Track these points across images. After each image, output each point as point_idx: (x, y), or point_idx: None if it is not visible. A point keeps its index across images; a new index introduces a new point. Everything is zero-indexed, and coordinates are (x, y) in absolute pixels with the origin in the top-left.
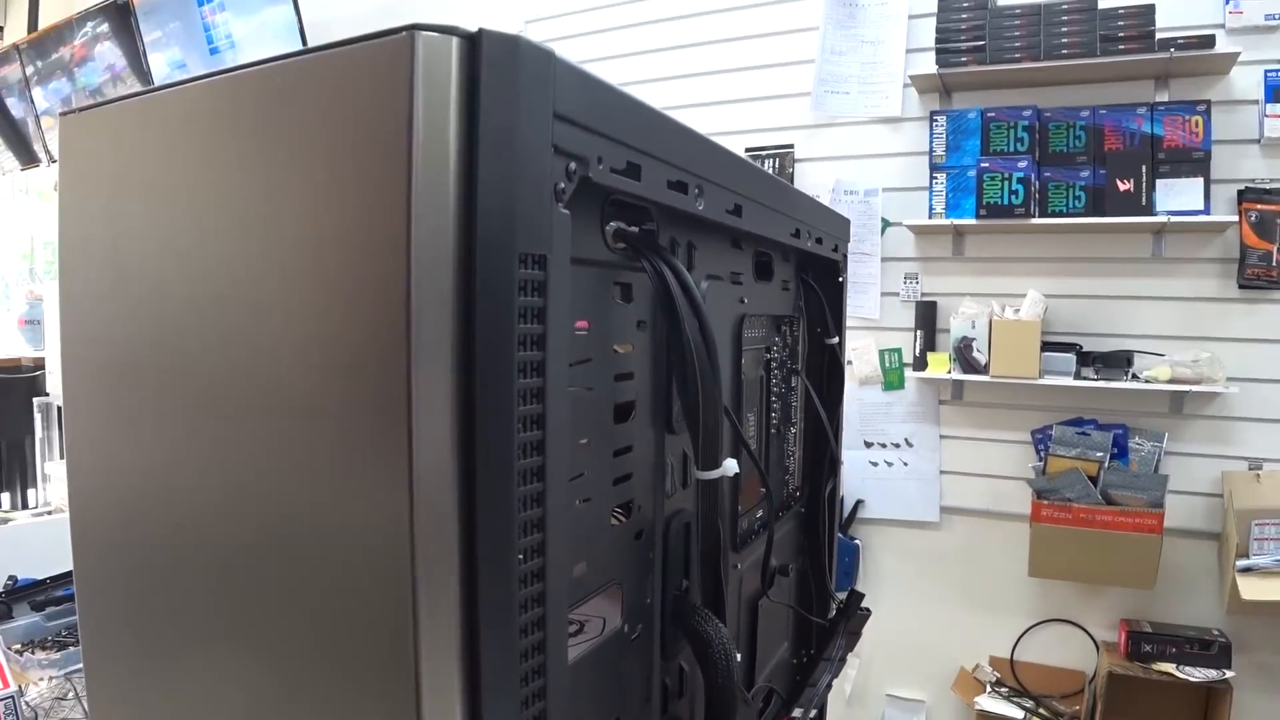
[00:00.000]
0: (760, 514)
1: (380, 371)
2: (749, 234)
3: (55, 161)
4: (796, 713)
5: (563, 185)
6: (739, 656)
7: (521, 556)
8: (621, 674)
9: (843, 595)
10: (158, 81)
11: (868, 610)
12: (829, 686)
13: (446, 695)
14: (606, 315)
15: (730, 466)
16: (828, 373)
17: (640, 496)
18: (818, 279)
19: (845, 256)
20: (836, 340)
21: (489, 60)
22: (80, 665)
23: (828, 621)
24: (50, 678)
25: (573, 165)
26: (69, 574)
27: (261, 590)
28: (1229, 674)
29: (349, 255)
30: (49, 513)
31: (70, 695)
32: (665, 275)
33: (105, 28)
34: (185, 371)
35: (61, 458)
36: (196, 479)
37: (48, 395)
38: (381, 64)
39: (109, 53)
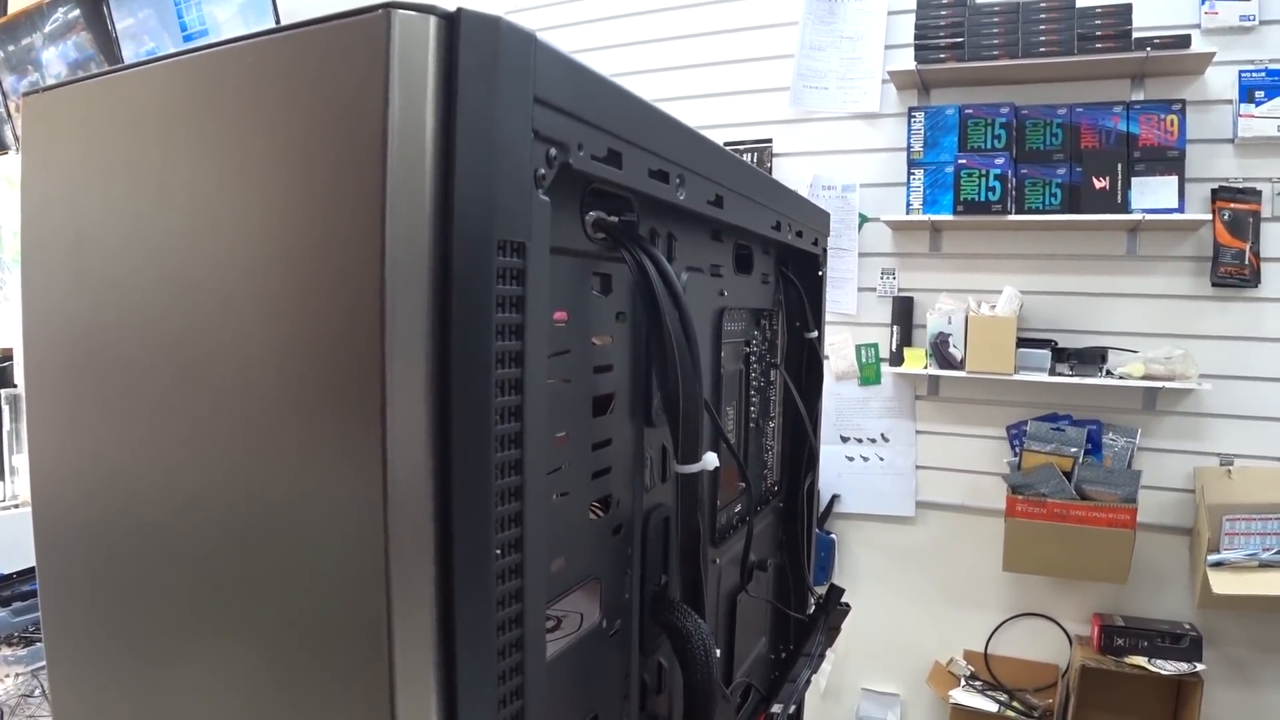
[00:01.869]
0: (739, 508)
1: (353, 361)
2: (729, 226)
3: None
4: (776, 709)
5: (543, 171)
6: (718, 652)
7: (499, 552)
8: (600, 670)
9: (821, 590)
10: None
11: (847, 605)
12: (808, 682)
13: (422, 693)
14: (585, 306)
15: (710, 460)
16: (807, 367)
17: (619, 491)
18: (797, 272)
19: (825, 251)
20: (816, 334)
21: (468, 41)
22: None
23: (806, 616)
24: (16, 674)
25: (553, 151)
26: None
27: (231, 589)
28: (1200, 667)
29: (321, 241)
30: (16, 506)
31: (37, 692)
32: (646, 266)
33: (77, 13)
34: (151, 362)
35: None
36: (162, 473)
37: (15, 387)
38: (356, 43)
39: (81, 38)
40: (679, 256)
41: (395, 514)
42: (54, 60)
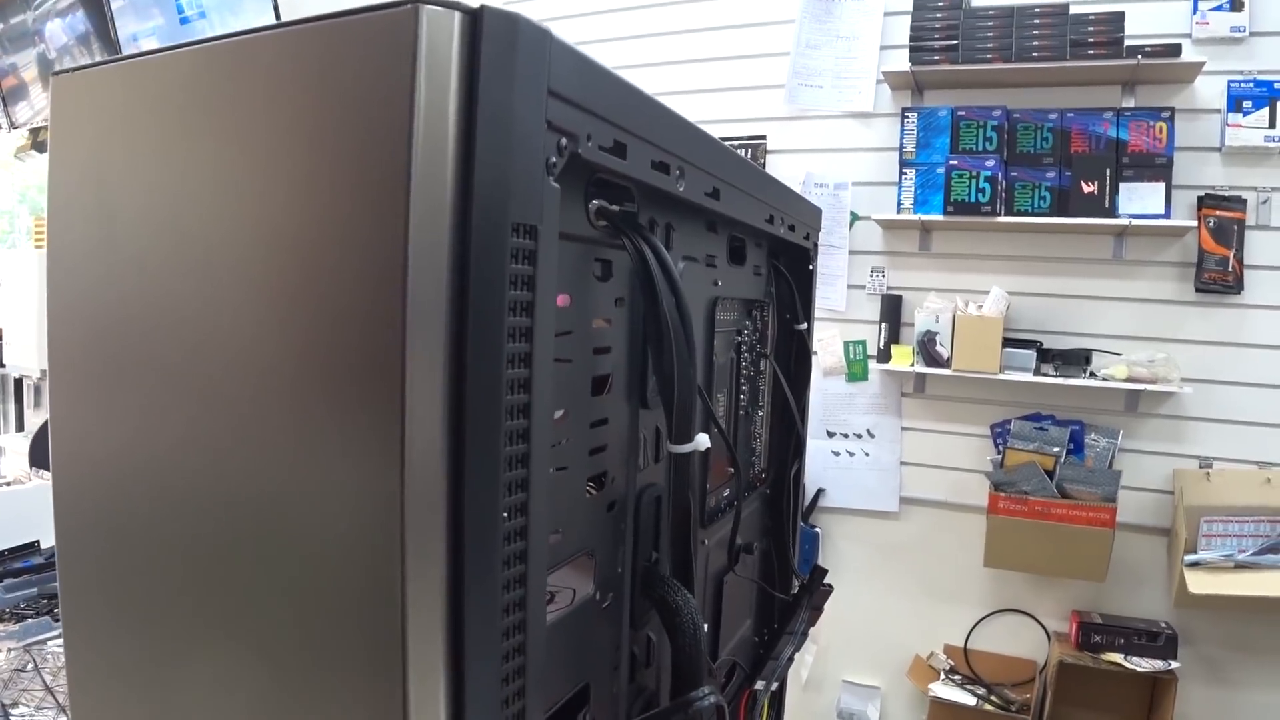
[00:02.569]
0: (727, 492)
1: (376, 332)
2: (724, 218)
3: (16, 127)
4: (759, 685)
5: (554, 160)
6: (705, 627)
7: (506, 515)
8: (592, 641)
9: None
10: (125, 50)
11: (830, 586)
12: (790, 660)
13: (431, 643)
14: (586, 290)
15: (702, 441)
16: (795, 358)
17: (614, 469)
18: (788, 266)
19: (816, 245)
20: (805, 326)
21: (489, 36)
22: (39, 637)
23: (790, 597)
24: (9, 649)
25: (564, 141)
26: (28, 546)
27: (249, 549)
28: (1175, 665)
29: (347, 221)
30: (7, 484)
31: (30, 667)
32: (645, 253)
33: None
34: (175, 339)
35: (19, 430)
36: (186, 443)
37: (3, 366)
38: (385, 35)
39: (76, 19)
40: (676, 245)
41: (411, 474)
42: (48, 40)
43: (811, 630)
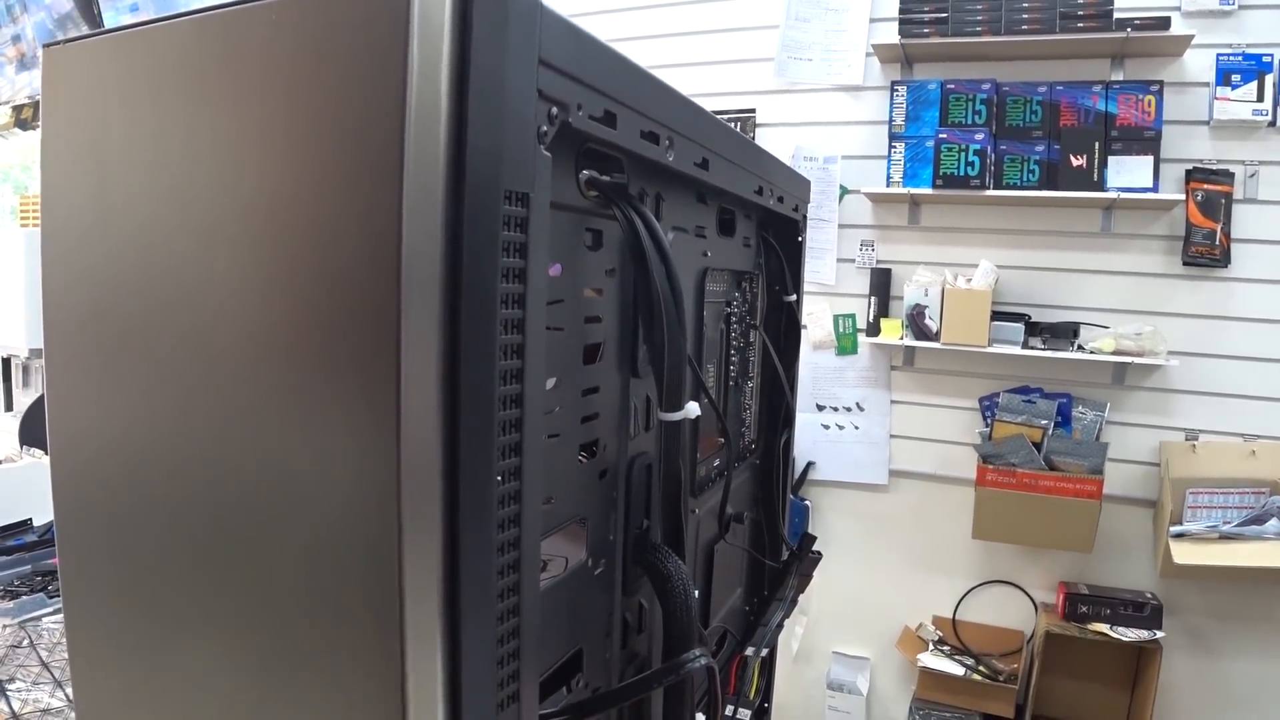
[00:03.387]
0: (718, 462)
1: (372, 296)
2: (714, 189)
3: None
4: (749, 651)
5: (545, 128)
6: (696, 594)
7: (500, 478)
8: (585, 607)
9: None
10: (108, 24)
11: (818, 554)
12: (780, 626)
13: (428, 605)
14: (577, 260)
15: (692, 409)
16: (785, 329)
17: (605, 436)
18: (778, 238)
19: (805, 217)
20: (794, 298)
21: (481, 5)
22: (34, 614)
23: (780, 564)
24: (4, 625)
25: (554, 110)
26: (21, 524)
27: (247, 517)
28: (1159, 634)
29: (343, 186)
30: None
31: (25, 643)
32: (635, 222)
33: None
34: (170, 307)
35: (8, 410)
36: (182, 414)
37: None
38: (378, 4)
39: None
40: (666, 216)
41: (408, 437)
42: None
43: (802, 602)
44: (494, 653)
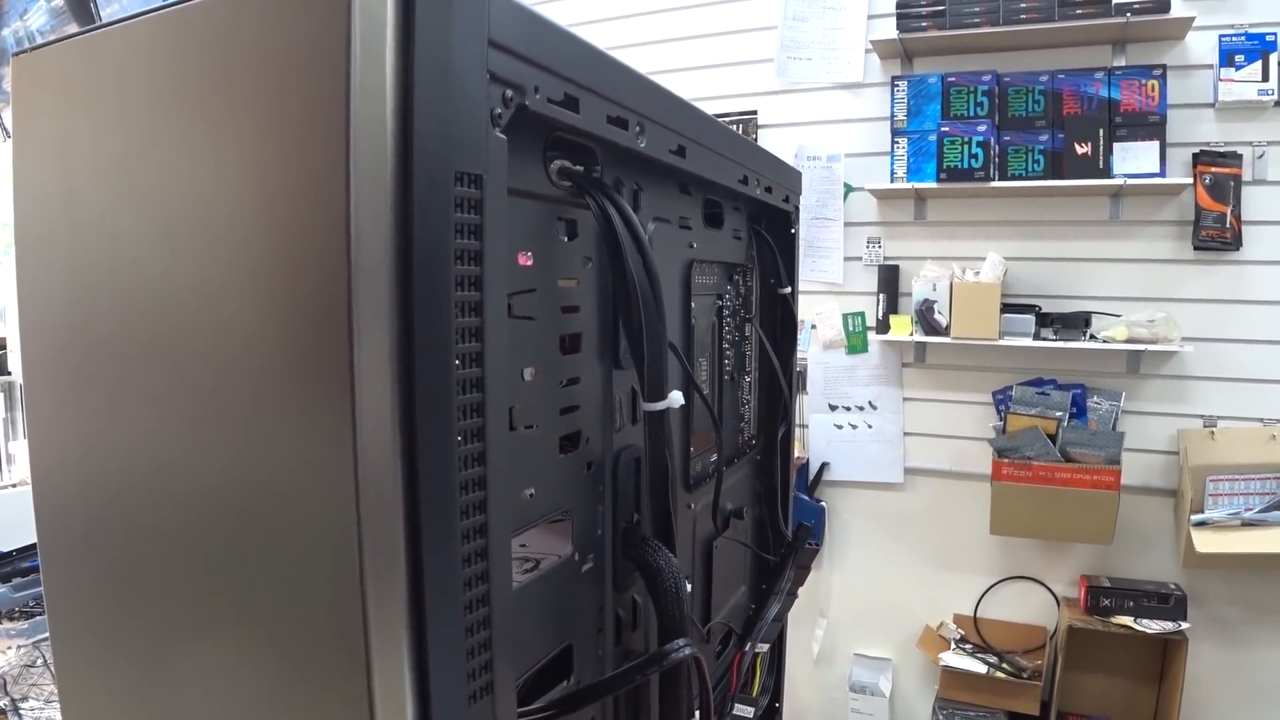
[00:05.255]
0: (715, 457)
1: (322, 281)
2: (697, 179)
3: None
4: (747, 647)
5: (499, 110)
6: (689, 587)
7: (462, 463)
8: (573, 603)
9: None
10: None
11: (817, 544)
12: (779, 618)
13: (392, 593)
14: (551, 249)
15: (676, 398)
16: (781, 322)
17: (589, 429)
18: (770, 230)
19: (797, 209)
20: (789, 290)
21: None
22: (47, 634)
23: (779, 557)
24: (19, 646)
25: (509, 93)
26: (34, 546)
27: (213, 530)
28: (1185, 626)
29: (292, 174)
30: (14, 486)
31: (39, 663)
32: (607, 209)
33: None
34: (135, 316)
35: (25, 437)
36: (151, 424)
37: (9, 374)
38: None
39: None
40: (645, 207)
41: (363, 426)
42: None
43: (821, 604)
44: (463, 643)
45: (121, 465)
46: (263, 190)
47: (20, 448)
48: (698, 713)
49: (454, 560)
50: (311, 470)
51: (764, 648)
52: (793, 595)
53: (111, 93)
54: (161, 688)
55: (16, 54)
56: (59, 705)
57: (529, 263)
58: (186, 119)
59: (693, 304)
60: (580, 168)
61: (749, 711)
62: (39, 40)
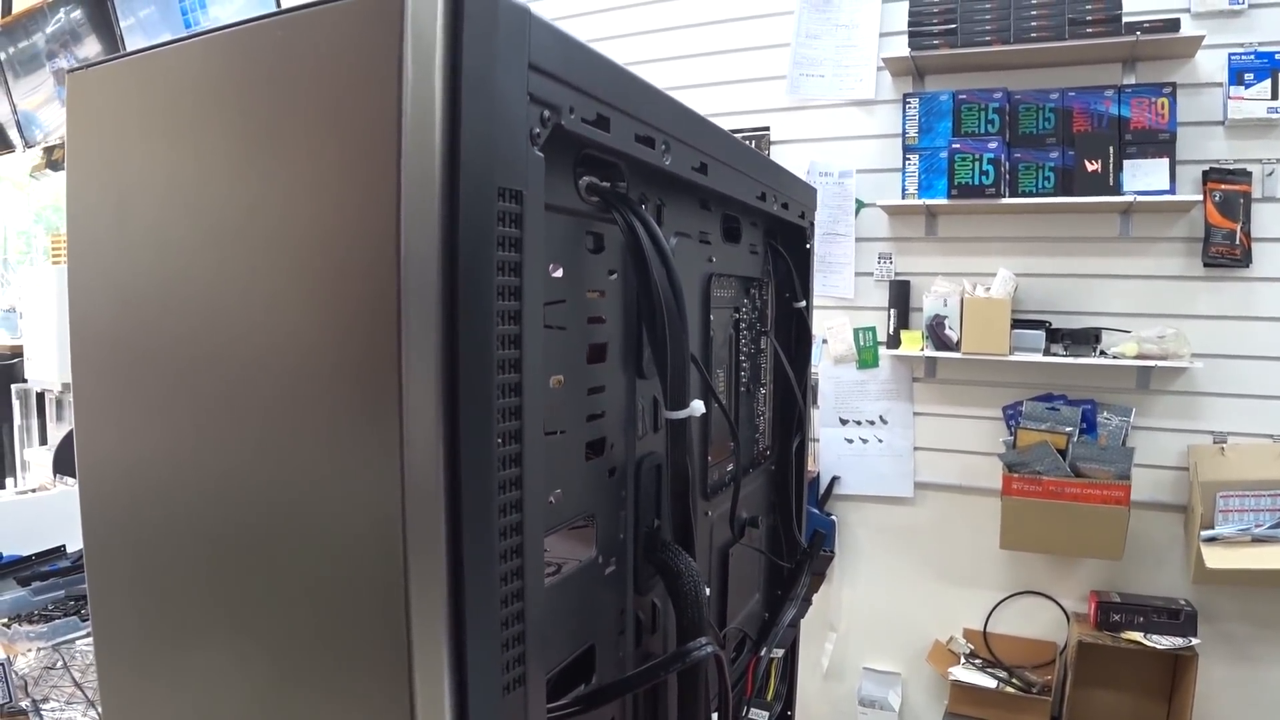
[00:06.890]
0: (731, 467)
1: (372, 293)
2: (717, 195)
3: (30, 146)
4: (762, 652)
5: (537, 130)
6: (708, 592)
7: (501, 463)
8: (597, 604)
9: None
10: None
11: (831, 552)
12: (794, 624)
13: (434, 588)
14: (579, 262)
15: (697, 407)
16: (796, 336)
17: (613, 435)
18: (785, 245)
19: (812, 224)
20: (804, 304)
21: (471, 14)
22: (67, 636)
23: (794, 564)
24: (38, 649)
25: (546, 113)
26: (55, 550)
27: (262, 529)
28: (1195, 642)
29: (344, 194)
30: (32, 491)
31: (58, 665)
32: (633, 223)
33: (79, 13)
34: (186, 330)
35: (42, 444)
36: (199, 428)
37: (26, 382)
38: (375, 17)
39: (87, 40)
40: (668, 222)
41: (410, 433)
42: (58, 60)
43: (830, 617)
44: (499, 635)
45: (169, 468)
46: (316, 205)
47: (36, 455)
48: (715, 714)
49: (491, 555)
50: (361, 466)
51: (779, 652)
52: (807, 601)
53: (166, 110)
54: (209, 675)
55: (71, 71)
56: (100, 697)
57: (559, 275)
58: (239, 137)
59: (711, 317)
60: (607, 184)
61: (764, 715)
62: (69, 46)
